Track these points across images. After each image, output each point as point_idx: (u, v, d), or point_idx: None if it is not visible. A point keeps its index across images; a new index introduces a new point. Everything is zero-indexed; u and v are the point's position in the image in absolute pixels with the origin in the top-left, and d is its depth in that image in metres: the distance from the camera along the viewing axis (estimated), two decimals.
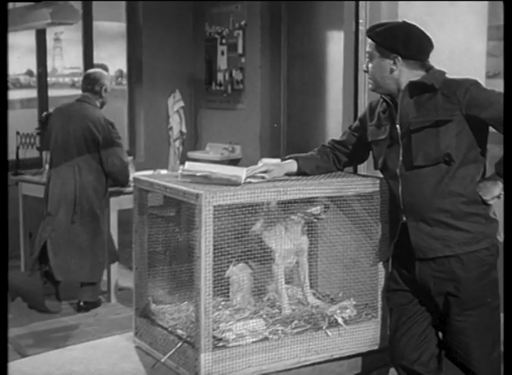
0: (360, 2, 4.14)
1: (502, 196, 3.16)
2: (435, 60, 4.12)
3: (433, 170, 3.15)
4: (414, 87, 3.19)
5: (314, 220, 3.32)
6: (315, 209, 3.28)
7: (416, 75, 3.21)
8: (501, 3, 5.23)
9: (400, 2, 4.02)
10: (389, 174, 3.29)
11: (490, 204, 3.20)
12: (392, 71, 3.20)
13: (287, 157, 3.46)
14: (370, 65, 3.26)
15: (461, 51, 4.21)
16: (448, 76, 3.27)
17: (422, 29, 3.27)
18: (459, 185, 3.15)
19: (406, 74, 3.21)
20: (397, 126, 3.22)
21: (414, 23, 3.25)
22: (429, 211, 3.17)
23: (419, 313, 3.34)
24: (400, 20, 3.36)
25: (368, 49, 3.29)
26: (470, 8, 4.21)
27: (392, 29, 3.23)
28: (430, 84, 3.16)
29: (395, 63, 3.19)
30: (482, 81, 4.31)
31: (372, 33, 3.25)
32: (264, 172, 3.28)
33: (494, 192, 3.17)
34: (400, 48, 3.18)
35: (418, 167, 3.16)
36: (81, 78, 6.15)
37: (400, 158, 3.22)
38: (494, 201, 3.21)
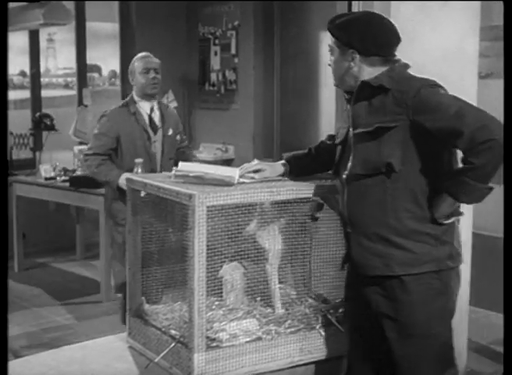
0: (353, 2, 4.14)
1: (462, 219, 2.94)
2: (428, 60, 4.14)
3: (377, 180, 2.85)
4: (366, 87, 2.90)
5: (308, 220, 3.33)
6: (309, 210, 3.28)
7: (379, 72, 2.91)
8: (493, 4, 5.27)
9: (392, 2, 4.02)
10: (339, 180, 3.05)
11: (443, 224, 2.86)
12: (350, 68, 2.93)
13: (284, 155, 3.39)
14: (332, 58, 3.01)
15: (454, 51, 4.21)
16: (410, 72, 2.99)
17: (387, 20, 3.00)
18: (405, 199, 2.84)
19: (366, 71, 2.92)
20: (350, 129, 2.98)
21: (380, 14, 3.04)
22: (372, 225, 2.88)
23: (370, 328, 3.03)
24: (367, 11, 3.19)
25: (329, 42, 3.03)
26: (462, 8, 4.21)
27: (350, 22, 2.94)
28: (377, 85, 2.86)
29: (353, 59, 2.91)
30: (475, 81, 4.33)
31: (330, 25, 2.97)
32: (257, 171, 3.28)
33: (443, 210, 2.83)
34: (356, 42, 2.90)
35: (363, 176, 2.89)
36: (74, 78, 6.14)
37: (349, 164, 2.96)
38: (447, 221, 2.88)
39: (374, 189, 2.86)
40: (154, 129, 4.92)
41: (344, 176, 2.97)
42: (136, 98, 4.91)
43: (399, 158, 2.80)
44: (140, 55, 5.02)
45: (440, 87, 2.89)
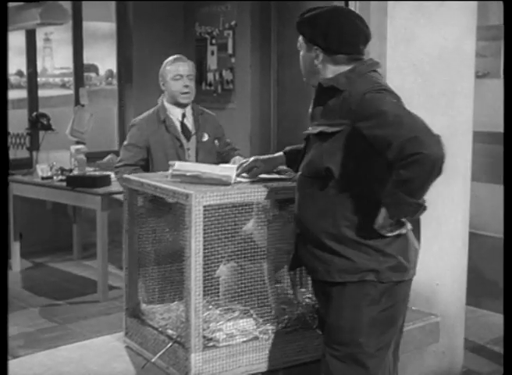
0: (350, 2, 4.15)
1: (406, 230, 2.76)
2: (425, 60, 4.14)
3: (320, 185, 2.79)
4: (323, 87, 2.84)
5: None
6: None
7: (342, 71, 2.81)
8: (490, 3, 5.27)
9: (389, 2, 4.02)
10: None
11: (386, 236, 2.73)
12: (315, 65, 2.85)
13: (286, 148, 3.37)
14: (300, 54, 2.92)
15: (451, 51, 4.21)
16: (377, 73, 2.87)
17: (356, 16, 2.88)
18: (345, 207, 2.75)
19: (330, 70, 2.82)
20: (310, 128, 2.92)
21: (349, 10, 2.90)
22: (315, 230, 2.82)
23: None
24: (335, 5, 2.98)
25: (299, 38, 2.94)
26: (459, 8, 4.21)
27: (314, 17, 2.82)
28: (328, 86, 2.79)
29: (317, 57, 2.83)
30: (472, 81, 4.34)
31: (297, 20, 2.88)
32: (253, 167, 3.28)
33: (380, 222, 2.69)
34: (318, 40, 2.81)
35: (309, 178, 2.84)
36: (71, 78, 6.11)
37: (301, 164, 2.94)
38: (389, 234, 2.74)
39: (318, 193, 2.80)
40: (187, 136, 4.57)
41: (297, 176, 2.95)
42: (166, 104, 4.60)
43: (338, 164, 2.74)
44: (172, 58, 4.65)
45: (390, 92, 2.75)
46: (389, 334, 2.85)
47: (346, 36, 2.81)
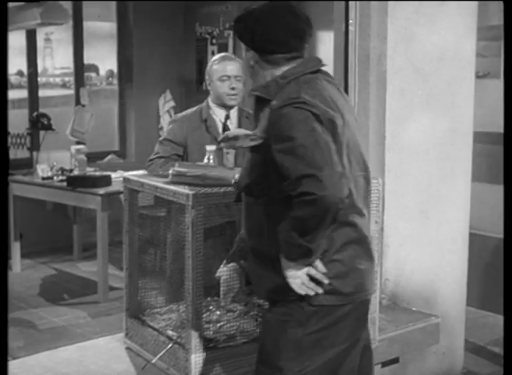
0: (350, 2, 4.14)
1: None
2: (425, 60, 4.14)
3: (251, 200, 2.61)
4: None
5: None
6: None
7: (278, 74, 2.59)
8: (490, 3, 5.27)
9: (389, 2, 4.02)
10: None
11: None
12: (253, 67, 2.64)
13: None
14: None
15: (451, 51, 4.21)
16: (311, 76, 2.56)
17: (290, 12, 2.60)
18: (270, 225, 2.52)
19: (270, 72, 2.59)
20: None
21: (286, 5, 2.61)
22: (251, 246, 2.66)
23: None
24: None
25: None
26: (459, 8, 4.21)
27: (244, 17, 2.63)
28: (253, 95, 2.59)
29: (253, 58, 2.62)
30: (472, 81, 4.33)
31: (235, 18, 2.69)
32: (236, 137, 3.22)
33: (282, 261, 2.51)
34: (247, 39, 2.61)
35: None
36: (72, 78, 6.09)
37: None
38: (296, 263, 2.50)
39: (251, 208, 2.62)
40: None
41: None
42: (211, 103, 4.25)
43: (253, 182, 2.56)
44: (219, 56, 4.31)
45: (312, 106, 2.43)
46: (315, 361, 2.56)
47: (273, 33, 2.55)
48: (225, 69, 4.18)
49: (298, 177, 2.33)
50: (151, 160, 4.23)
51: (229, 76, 4.15)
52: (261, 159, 2.50)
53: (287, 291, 2.51)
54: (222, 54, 4.36)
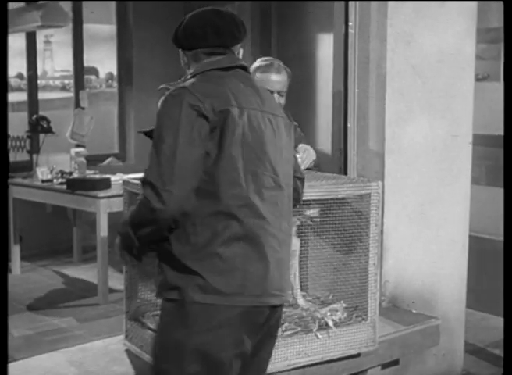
0: (350, 2, 4.14)
1: None
2: (425, 62, 4.14)
3: None
4: None
5: (310, 223, 3.32)
6: (313, 212, 3.27)
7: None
8: (490, 5, 5.27)
9: (389, 3, 4.02)
10: None
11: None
12: (185, 65, 2.73)
13: None
14: None
15: (451, 53, 4.21)
16: (219, 73, 2.60)
17: (212, 11, 2.68)
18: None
19: (195, 68, 2.68)
20: None
21: (217, 9, 2.68)
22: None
23: None
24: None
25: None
26: (459, 10, 4.21)
27: (182, 19, 2.72)
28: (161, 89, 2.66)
29: (181, 56, 2.73)
30: (471, 84, 4.34)
31: None
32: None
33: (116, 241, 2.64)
34: (173, 37, 2.71)
35: None
36: (71, 80, 6.09)
37: None
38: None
39: None
40: None
41: None
42: None
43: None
44: (264, 63, 3.76)
45: (191, 95, 2.51)
46: (195, 368, 2.45)
47: (192, 29, 2.63)
48: (270, 81, 3.66)
49: (145, 179, 2.40)
50: None
51: (272, 92, 3.54)
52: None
53: (170, 286, 2.46)
54: (268, 60, 3.81)
